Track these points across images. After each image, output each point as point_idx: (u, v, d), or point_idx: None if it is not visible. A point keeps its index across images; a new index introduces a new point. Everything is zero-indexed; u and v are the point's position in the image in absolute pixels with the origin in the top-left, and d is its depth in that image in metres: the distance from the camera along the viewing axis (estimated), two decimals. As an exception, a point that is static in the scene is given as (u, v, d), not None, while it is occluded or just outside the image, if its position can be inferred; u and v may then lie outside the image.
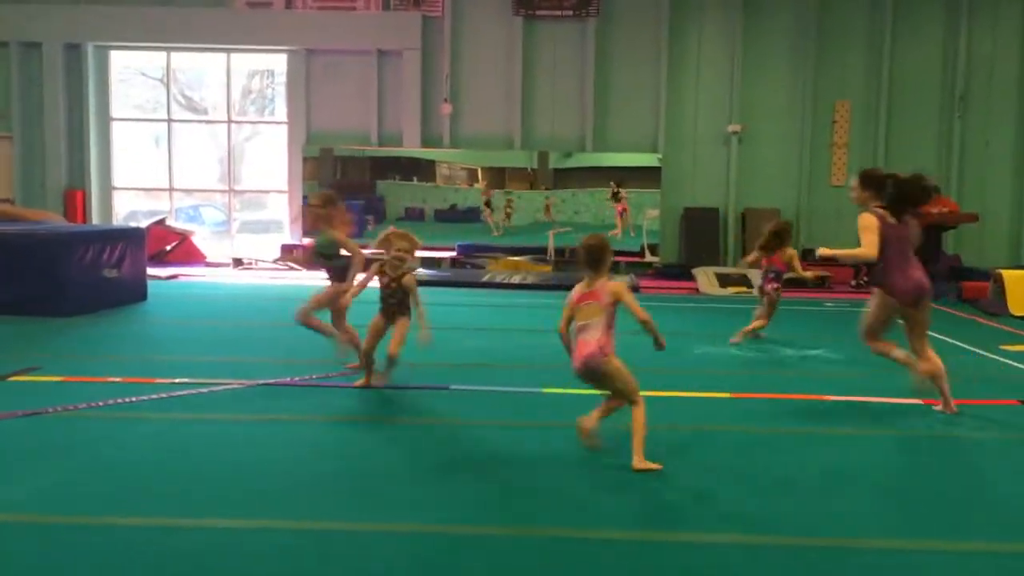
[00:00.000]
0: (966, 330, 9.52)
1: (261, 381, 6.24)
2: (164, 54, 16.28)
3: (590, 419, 4.60)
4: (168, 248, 15.17)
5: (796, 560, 3.48)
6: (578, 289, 4.61)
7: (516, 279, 13.33)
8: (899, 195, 5.61)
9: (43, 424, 5.10)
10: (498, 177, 15.68)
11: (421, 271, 13.67)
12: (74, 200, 15.77)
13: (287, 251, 15.12)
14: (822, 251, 5.80)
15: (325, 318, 6.61)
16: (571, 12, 15.43)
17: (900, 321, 5.76)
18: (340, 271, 6.49)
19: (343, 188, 15.64)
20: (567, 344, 4.67)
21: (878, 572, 3.40)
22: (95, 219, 16.01)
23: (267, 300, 10.92)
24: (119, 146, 16.56)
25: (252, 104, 18.70)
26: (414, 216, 15.64)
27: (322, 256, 6.59)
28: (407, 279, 5.88)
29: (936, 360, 5.69)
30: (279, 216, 16.67)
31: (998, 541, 3.72)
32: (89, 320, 8.92)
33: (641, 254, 15.16)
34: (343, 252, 6.54)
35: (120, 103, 16.70)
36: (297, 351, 7.25)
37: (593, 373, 4.52)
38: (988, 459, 4.96)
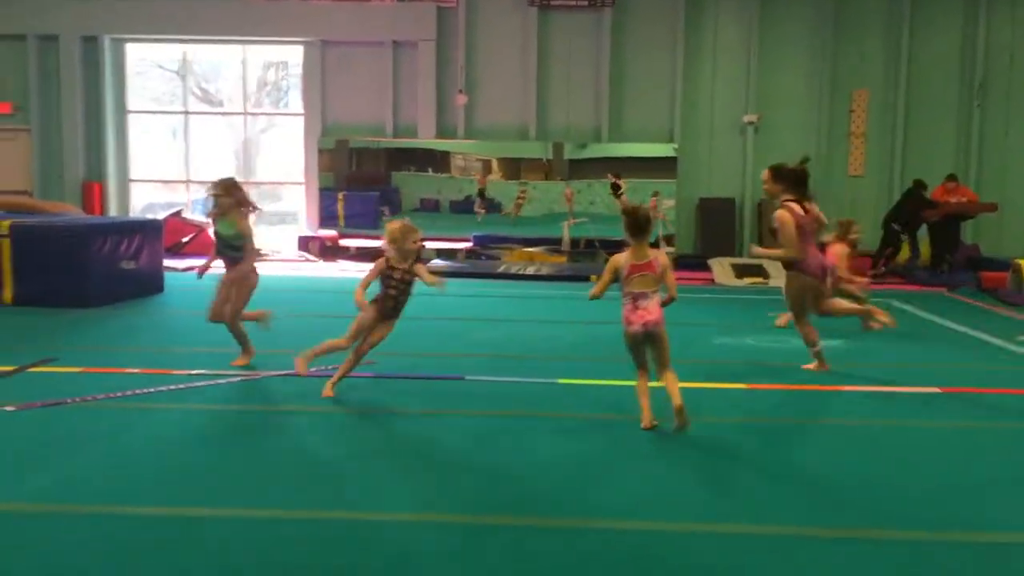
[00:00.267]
0: (985, 320, 9.45)
1: (277, 372, 6.27)
2: (180, 46, 16.36)
3: (645, 417, 4.97)
4: (185, 240, 15.21)
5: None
6: (628, 259, 4.95)
7: (531, 270, 13.34)
8: (798, 180, 6.71)
9: (62, 415, 5.15)
10: (513, 168, 15.64)
11: (437, 262, 13.70)
12: (91, 192, 15.89)
13: (303, 243, 15.18)
14: (756, 250, 7.17)
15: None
16: (586, 2, 15.36)
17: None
18: (237, 260, 6.44)
19: (359, 179, 15.73)
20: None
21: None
22: (112, 211, 16.13)
23: (283, 291, 10.94)
24: (136, 138, 16.67)
25: (267, 96, 18.75)
26: (429, 207, 15.63)
27: (229, 247, 6.45)
28: (418, 266, 5.70)
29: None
30: (295, 208, 16.72)
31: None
32: (107, 312, 8.98)
33: (656, 244, 15.11)
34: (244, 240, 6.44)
35: (136, 95, 16.79)
36: (314, 341, 7.24)
37: (651, 336, 4.93)
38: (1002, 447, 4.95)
